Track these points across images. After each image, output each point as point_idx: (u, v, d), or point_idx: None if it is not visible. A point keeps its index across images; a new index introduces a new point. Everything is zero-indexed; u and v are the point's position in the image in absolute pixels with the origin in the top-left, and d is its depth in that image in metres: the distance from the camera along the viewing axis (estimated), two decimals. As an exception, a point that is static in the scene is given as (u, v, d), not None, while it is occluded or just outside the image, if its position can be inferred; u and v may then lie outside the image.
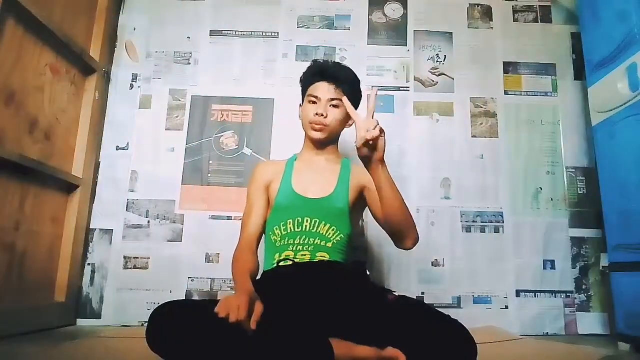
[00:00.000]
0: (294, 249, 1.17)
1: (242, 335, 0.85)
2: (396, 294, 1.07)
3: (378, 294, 1.09)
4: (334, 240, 1.20)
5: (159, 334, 0.90)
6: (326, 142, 1.32)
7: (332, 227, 1.21)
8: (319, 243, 1.19)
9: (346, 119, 1.31)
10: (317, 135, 1.29)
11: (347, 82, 1.31)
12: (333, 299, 1.02)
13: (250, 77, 1.94)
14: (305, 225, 1.20)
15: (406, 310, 0.98)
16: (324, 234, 1.21)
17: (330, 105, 1.28)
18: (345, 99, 1.12)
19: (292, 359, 0.86)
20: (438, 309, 0.99)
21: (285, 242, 1.19)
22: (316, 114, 1.26)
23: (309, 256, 1.16)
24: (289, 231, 1.21)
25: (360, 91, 1.37)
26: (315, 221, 1.20)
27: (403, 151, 1.89)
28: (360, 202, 1.30)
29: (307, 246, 1.17)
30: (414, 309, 1.00)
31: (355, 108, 1.25)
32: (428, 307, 1.04)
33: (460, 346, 0.90)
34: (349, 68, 1.37)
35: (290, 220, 1.21)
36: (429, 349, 0.88)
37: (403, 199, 1.11)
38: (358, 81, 1.37)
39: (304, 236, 1.20)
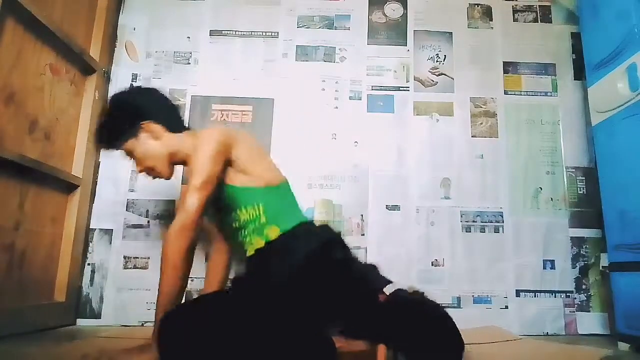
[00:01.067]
0: (239, 249, 1.18)
1: (250, 337, 0.86)
2: (387, 290, 1.06)
3: (368, 294, 1.06)
4: (240, 223, 1.15)
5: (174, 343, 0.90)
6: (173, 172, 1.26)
7: (226, 216, 1.17)
8: (240, 235, 1.16)
9: (152, 147, 1.19)
10: (163, 179, 1.25)
11: (104, 140, 1.22)
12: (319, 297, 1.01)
13: (250, 77, 1.94)
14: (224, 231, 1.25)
15: (395, 312, 1.00)
16: (232, 225, 1.17)
17: (131, 159, 1.23)
18: None
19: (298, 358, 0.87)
20: (431, 302, 1.04)
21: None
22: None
23: (251, 248, 1.14)
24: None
25: (119, 122, 1.19)
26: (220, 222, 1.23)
27: (403, 151, 1.89)
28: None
29: (238, 244, 1.18)
30: (403, 308, 1.01)
31: (122, 136, 1.19)
32: (420, 303, 1.05)
33: (447, 346, 0.94)
34: (105, 118, 1.22)
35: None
36: (418, 348, 0.92)
37: (167, 291, 1.02)
38: (110, 122, 1.20)
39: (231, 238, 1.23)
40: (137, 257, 1.77)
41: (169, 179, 1.25)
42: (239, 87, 1.93)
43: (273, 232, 1.12)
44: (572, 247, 1.81)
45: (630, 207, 1.43)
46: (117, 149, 1.22)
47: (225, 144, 1.12)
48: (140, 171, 1.23)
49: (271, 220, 1.12)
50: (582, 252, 1.81)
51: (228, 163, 1.13)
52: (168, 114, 1.24)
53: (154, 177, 1.25)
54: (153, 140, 1.20)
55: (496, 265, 1.80)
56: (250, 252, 1.14)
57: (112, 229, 1.79)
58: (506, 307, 1.76)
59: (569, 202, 1.85)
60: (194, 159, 1.10)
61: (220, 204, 1.16)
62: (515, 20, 2.02)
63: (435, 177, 1.87)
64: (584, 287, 1.78)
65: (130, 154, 1.22)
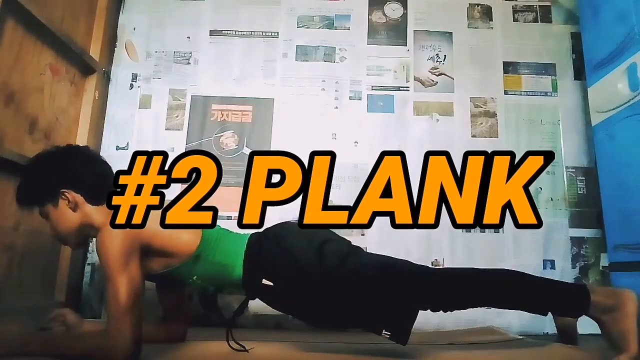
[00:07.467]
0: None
1: None
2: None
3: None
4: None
5: None
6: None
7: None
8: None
9: (66, 218, 1.10)
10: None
11: (22, 200, 1.13)
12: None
13: (250, 77, 1.94)
14: None
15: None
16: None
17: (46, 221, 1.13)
18: None
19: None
20: None
21: None
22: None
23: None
24: None
25: (40, 185, 1.11)
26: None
27: (403, 151, 1.88)
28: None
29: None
30: None
31: (40, 199, 1.10)
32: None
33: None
34: (27, 176, 1.15)
35: None
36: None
37: None
38: (31, 183, 1.12)
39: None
40: (137, 257, 1.77)
41: (76, 250, 1.24)
42: (239, 87, 1.93)
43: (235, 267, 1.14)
44: (572, 247, 1.81)
45: (630, 207, 1.43)
46: (34, 209, 1.14)
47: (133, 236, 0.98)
48: (53, 236, 1.16)
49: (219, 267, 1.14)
50: (582, 252, 1.81)
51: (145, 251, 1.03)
52: (92, 184, 1.11)
53: (64, 244, 1.21)
54: (70, 210, 1.09)
55: (496, 266, 1.77)
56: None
57: (112, 229, 1.79)
58: (506, 307, 1.76)
59: (569, 202, 1.85)
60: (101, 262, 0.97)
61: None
62: (515, 20, 2.02)
63: (435, 177, 1.87)
64: (584, 287, 1.78)
65: (45, 217, 1.13)
